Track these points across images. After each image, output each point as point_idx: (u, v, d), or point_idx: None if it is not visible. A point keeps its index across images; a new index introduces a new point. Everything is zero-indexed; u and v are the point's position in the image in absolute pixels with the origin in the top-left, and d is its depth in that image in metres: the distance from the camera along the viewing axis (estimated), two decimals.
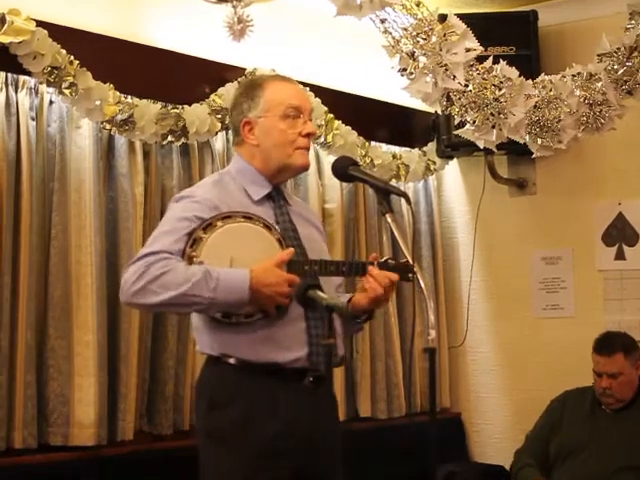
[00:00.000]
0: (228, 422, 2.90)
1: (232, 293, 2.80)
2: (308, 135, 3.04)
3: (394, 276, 2.97)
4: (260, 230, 2.92)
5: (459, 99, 3.81)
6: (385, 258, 3.05)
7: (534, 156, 4.17)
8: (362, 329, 3.26)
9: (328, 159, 4.67)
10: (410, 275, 3.06)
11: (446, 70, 3.70)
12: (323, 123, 4.58)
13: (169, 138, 4.03)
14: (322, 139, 4.61)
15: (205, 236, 2.86)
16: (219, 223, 2.87)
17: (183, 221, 2.88)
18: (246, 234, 2.90)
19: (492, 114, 3.87)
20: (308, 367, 2.92)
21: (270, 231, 2.93)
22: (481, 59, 3.82)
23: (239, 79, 4.20)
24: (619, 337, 4.45)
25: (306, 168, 3.14)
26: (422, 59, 3.68)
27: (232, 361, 2.92)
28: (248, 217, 2.92)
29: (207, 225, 2.86)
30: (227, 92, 4.16)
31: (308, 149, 3.07)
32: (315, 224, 3.22)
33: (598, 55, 4.05)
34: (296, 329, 2.93)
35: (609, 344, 4.39)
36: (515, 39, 4.95)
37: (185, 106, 4.08)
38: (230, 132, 3.98)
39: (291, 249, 2.90)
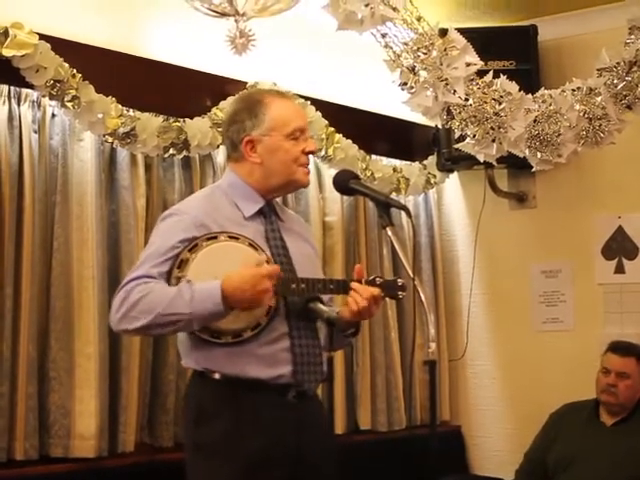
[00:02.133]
0: (218, 434, 2.90)
1: (207, 300, 2.78)
2: (310, 152, 3.06)
3: (376, 291, 2.96)
4: (245, 249, 2.92)
5: (459, 113, 3.82)
6: (373, 276, 3.05)
7: (534, 170, 4.18)
8: (350, 344, 3.22)
9: (329, 172, 4.68)
10: (399, 293, 3.08)
11: (446, 84, 3.71)
12: (324, 137, 4.60)
13: (171, 151, 4.05)
14: (323, 152, 4.62)
15: (191, 257, 2.88)
16: (204, 243, 2.89)
17: (165, 244, 2.89)
18: (231, 253, 2.91)
19: (492, 128, 3.89)
20: (292, 383, 2.94)
21: (256, 250, 2.93)
22: (481, 73, 3.83)
23: (241, 92, 4.22)
24: (636, 346, 4.51)
25: (306, 186, 3.18)
26: (423, 73, 3.70)
27: (216, 376, 2.93)
28: (233, 237, 2.93)
29: (193, 246, 2.88)
30: (229, 105, 4.18)
31: (309, 164, 3.09)
32: (307, 239, 3.22)
33: (598, 70, 4.06)
34: (280, 347, 2.94)
35: (626, 347, 4.46)
36: (515, 53, 4.97)
37: (187, 119, 4.10)
38: None
39: (277, 266, 2.88)
